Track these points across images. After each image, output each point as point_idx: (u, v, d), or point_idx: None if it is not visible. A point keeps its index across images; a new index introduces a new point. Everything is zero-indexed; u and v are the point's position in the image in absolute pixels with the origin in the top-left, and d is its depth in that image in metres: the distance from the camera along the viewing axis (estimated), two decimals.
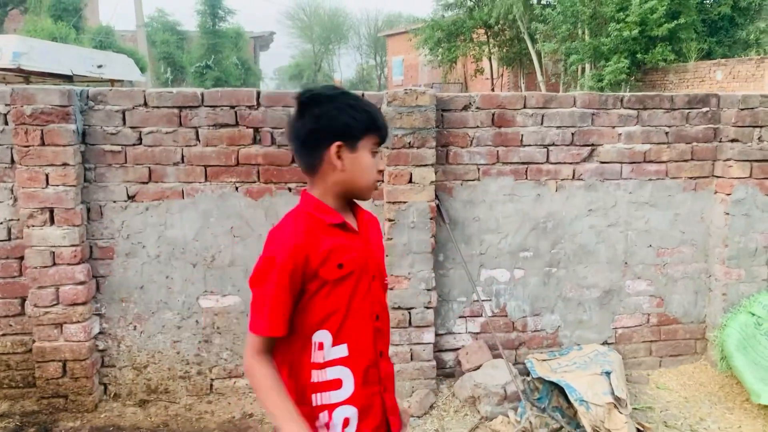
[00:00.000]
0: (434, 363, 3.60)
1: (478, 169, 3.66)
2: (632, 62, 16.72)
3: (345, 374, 1.56)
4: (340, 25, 46.23)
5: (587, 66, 18.17)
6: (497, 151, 3.66)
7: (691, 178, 3.78)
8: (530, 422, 3.08)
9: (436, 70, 29.07)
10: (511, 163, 3.67)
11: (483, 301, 3.72)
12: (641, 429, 3.16)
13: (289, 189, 3.49)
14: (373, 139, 1.56)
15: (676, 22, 15.99)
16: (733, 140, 3.64)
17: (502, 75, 25.67)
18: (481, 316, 3.73)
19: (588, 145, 3.70)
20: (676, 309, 3.87)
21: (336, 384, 1.56)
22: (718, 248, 3.76)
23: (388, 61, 40.12)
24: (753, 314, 3.56)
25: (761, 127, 3.62)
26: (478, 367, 3.57)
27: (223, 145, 3.41)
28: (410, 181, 3.47)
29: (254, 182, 3.46)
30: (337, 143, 1.52)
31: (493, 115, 3.62)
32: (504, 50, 23.63)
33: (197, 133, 3.40)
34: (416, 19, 28.31)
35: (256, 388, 1.49)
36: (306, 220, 1.53)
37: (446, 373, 3.74)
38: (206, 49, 29.82)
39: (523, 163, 3.68)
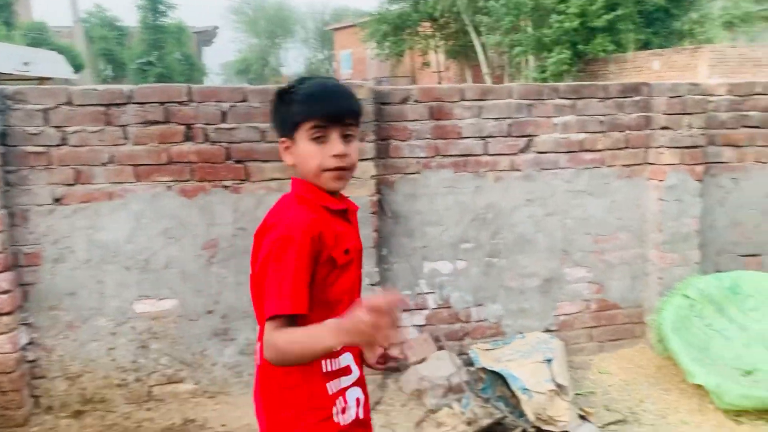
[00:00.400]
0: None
1: (419, 162, 3.64)
2: (574, 53, 17.08)
3: (350, 360, 1.59)
4: (286, 19, 45.67)
5: (531, 58, 18.47)
6: (436, 144, 3.65)
7: (625, 165, 3.86)
8: (474, 413, 3.10)
9: (384, 64, 29.08)
10: (450, 155, 3.67)
11: (427, 293, 3.71)
12: (583, 414, 3.21)
13: (225, 187, 3.40)
14: (309, 125, 1.50)
15: (614, 13, 16.39)
16: (664, 128, 3.74)
17: (448, 68, 25.87)
18: (426, 308, 3.73)
19: (525, 136, 3.73)
20: (614, 294, 3.96)
21: (347, 370, 1.59)
22: (653, 233, 3.85)
23: (336, 55, 39.92)
24: (687, 297, 3.66)
25: (690, 114, 3.72)
26: (424, 360, 3.57)
27: (154, 143, 3.29)
28: None
29: (188, 181, 3.35)
30: (281, 139, 1.56)
31: (432, 108, 3.61)
32: (450, 43, 23.80)
33: (126, 131, 3.27)
34: (363, 13, 28.23)
35: (294, 353, 1.37)
36: (311, 203, 1.53)
37: (392, 368, 3.72)
38: (148, 45, 28.99)
39: (462, 155, 3.68)
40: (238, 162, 3.39)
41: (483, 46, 20.89)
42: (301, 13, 47.57)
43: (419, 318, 3.72)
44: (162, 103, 3.28)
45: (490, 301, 3.82)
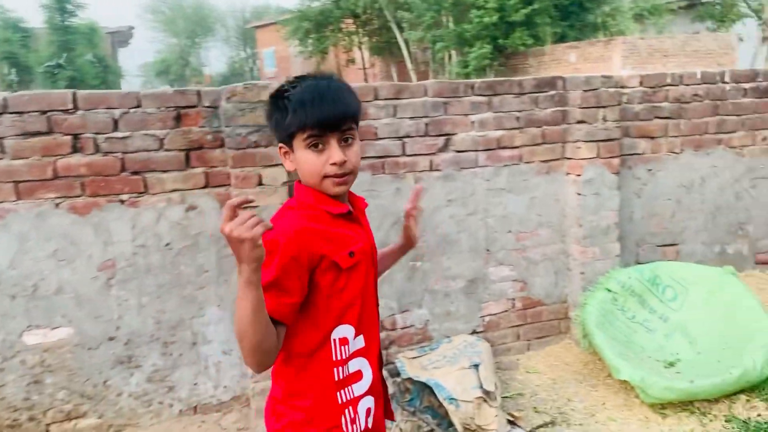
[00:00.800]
0: None
1: None
2: (495, 48, 17.34)
3: (363, 365, 1.56)
4: (205, 18, 44.47)
5: (453, 53, 18.63)
6: None
7: (543, 161, 3.81)
8: (400, 429, 2.96)
9: (309, 61, 28.71)
10: (367, 157, 3.51)
11: None
12: (512, 418, 3.13)
13: (122, 201, 3.11)
14: (305, 135, 1.46)
15: (531, 7, 16.74)
16: (579, 122, 3.71)
17: (374, 64, 25.79)
18: None
19: (443, 135, 3.62)
20: (538, 291, 3.91)
21: (357, 376, 1.54)
22: (573, 228, 3.83)
23: (259, 54, 39.15)
24: (609, 290, 3.65)
25: (605, 107, 3.71)
26: None
27: (37, 157, 2.97)
28: (260, 183, 3.21)
29: (78, 196, 3.04)
30: (279, 145, 1.54)
31: None
32: (373, 39, 23.75)
33: (2, 144, 2.93)
34: (284, 10, 27.74)
35: (237, 329, 1.34)
36: (309, 209, 1.50)
37: None
38: (57, 47, 27.46)
39: (379, 157, 3.53)
40: (134, 173, 3.11)
41: (406, 42, 20.92)
42: (220, 11, 46.51)
43: None
44: (44, 112, 2.96)
45: (416, 306, 3.69)
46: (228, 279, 3.30)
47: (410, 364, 3.42)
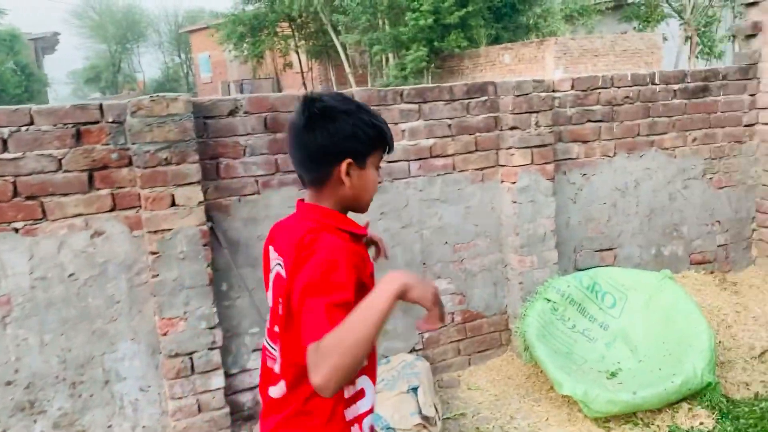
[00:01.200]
0: (228, 409, 3.13)
1: (257, 181, 3.23)
2: (431, 50, 17.35)
3: (367, 383, 1.57)
4: (136, 23, 42.96)
5: (390, 56, 18.54)
6: (276, 160, 3.26)
7: (477, 169, 3.68)
8: None
9: (245, 66, 28.08)
10: (292, 171, 3.26)
11: None
12: None
13: (16, 230, 2.78)
14: (380, 154, 1.56)
15: (465, 9, 16.82)
16: (512, 128, 3.60)
17: (311, 68, 25.47)
18: None
19: None
20: (477, 303, 3.78)
21: (361, 394, 1.55)
22: (510, 237, 3.72)
23: (195, 59, 38.15)
24: (548, 300, 3.56)
25: (537, 112, 3.61)
26: None
27: None
28: (173, 204, 2.95)
29: None
30: (348, 161, 1.49)
31: (266, 119, 3.21)
32: (310, 43, 23.42)
33: None
34: (218, 14, 27.05)
35: (349, 338, 1.22)
36: (334, 231, 1.48)
37: (245, 416, 3.29)
38: None
39: None
40: (29, 198, 2.79)
41: (343, 45, 20.71)
42: (152, 15, 45.04)
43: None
44: None
45: None
46: (142, 309, 3.02)
47: None
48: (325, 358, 1.20)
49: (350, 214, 1.60)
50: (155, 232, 2.94)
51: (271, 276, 1.61)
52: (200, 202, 3.00)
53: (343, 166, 1.49)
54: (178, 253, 2.96)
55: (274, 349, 1.58)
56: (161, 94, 2.92)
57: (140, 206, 2.95)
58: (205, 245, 3.02)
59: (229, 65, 31.41)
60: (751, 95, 4.30)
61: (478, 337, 3.82)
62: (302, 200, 1.60)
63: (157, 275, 2.95)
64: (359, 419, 1.55)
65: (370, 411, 1.59)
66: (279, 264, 1.56)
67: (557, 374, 3.16)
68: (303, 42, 23.58)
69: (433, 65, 17.61)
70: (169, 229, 2.95)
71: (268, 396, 1.60)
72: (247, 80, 29.40)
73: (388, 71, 18.37)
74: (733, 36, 6.87)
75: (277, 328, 1.54)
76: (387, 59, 18.82)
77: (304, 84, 24.35)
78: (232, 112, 3.15)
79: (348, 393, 1.52)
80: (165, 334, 2.98)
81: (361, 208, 1.59)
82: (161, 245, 2.94)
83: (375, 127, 1.52)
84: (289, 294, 1.42)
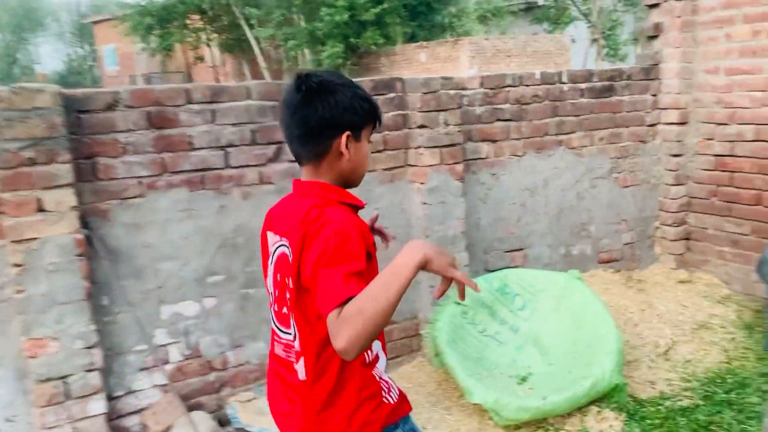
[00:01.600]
0: None
1: (141, 182, 2.92)
2: (347, 47, 17.16)
3: (380, 348, 1.61)
4: (33, 11, 40.30)
5: (306, 51, 18.21)
6: (163, 159, 2.96)
7: (386, 169, 3.52)
8: None
9: (154, 59, 26.84)
10: (182, 171, 3.00)
11: (168, 344, 3.02)
12: None
13: None
14: (371, 128, 1.60)
15: (381, 6, 16.74)
16: (421, 126, 3.46)
17: (225, 62, 24.68)
18: (168, 362, 3.03)
19: (273, 143, 3.20)
20: None
21: (377, 358, 1.60)
22: (420, 239, 3.57)
23: (99, 51, 36.17)
24: (459, 303, 3.44)
25: (446, 111, 3.49)
26: (170, 428, 2.88)
27: None
28: (40, 210, 2.60)
29: None
30: (347, 133, 1.52)
31: (150, 114, 2.91)
32: (222, 36, 22.65)
33: None
34: (125, 5, 25.67)
35: (372, 306, 1.25)
36: (335, 204, 1.51)
37: None
38: None
39: (197, 170, 3.04)
40: None
41: (257, 39, 20.14)
42: (52, 4, 42.38)
43: (160, 376, 3.00)
44: None
45: (251, 339, 3.24)
46: (5, 330, 2.65)
47: (244, 409, 2.98)
48: (349, 324, 1.24)
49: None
50: (19, 241, 2.58)
51: (271, 261, 1.60)
52: (73, 207, 2.66)
53: (343, 138, 1.52)
54: (47, 264, 2.62)
55: (287, 333, 1.57)
56: (24, 84, 2.57)
57: (1, 212, 2.58)
58: (80, 255, 2.69)
59: (137, 58, 30.00)
60: (653, 95, 4.38)
61: (389, 344, 3.64)
62: (298, 180, 1.60)
63: (23, 290, 2.59)
64: (381, 376, 1.59)
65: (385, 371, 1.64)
66: (283, 245, 1.54)
67: (468, 382, 3.04)
68: (215, 35, 22.78)
69: (349, 62, 17.44)
70: (36, 238, 2.60)
71: (288, 382, 1.59)
72: (155, 74, 28.13)
73: (305, 67, 18.03)
74: (636, 39, 7.09)
75: (285, 309, 1.55)
76: (303, 54, 18.47)
77: (216, 79, 23.54)
78: (111, 106, 2.82)
79: (369, 358, 1.57)
80: (33, 357, 2.63)
81: (356, 182, 1.63)
82: (27, 256, 2.59)
83: (369, 100, 1.57)
84: (299, 269, 1.44)
